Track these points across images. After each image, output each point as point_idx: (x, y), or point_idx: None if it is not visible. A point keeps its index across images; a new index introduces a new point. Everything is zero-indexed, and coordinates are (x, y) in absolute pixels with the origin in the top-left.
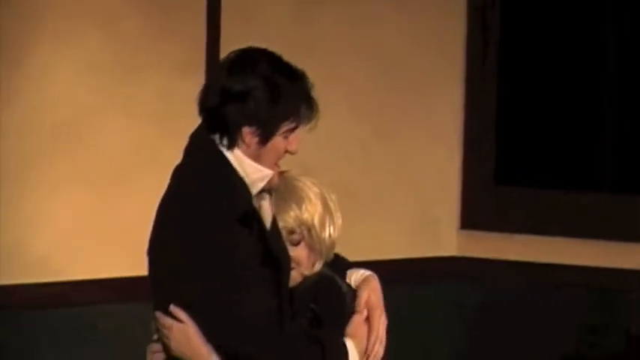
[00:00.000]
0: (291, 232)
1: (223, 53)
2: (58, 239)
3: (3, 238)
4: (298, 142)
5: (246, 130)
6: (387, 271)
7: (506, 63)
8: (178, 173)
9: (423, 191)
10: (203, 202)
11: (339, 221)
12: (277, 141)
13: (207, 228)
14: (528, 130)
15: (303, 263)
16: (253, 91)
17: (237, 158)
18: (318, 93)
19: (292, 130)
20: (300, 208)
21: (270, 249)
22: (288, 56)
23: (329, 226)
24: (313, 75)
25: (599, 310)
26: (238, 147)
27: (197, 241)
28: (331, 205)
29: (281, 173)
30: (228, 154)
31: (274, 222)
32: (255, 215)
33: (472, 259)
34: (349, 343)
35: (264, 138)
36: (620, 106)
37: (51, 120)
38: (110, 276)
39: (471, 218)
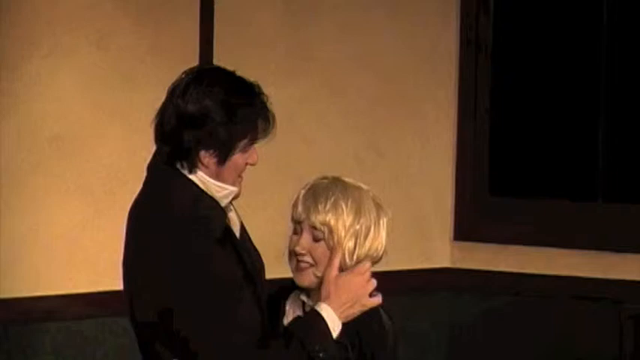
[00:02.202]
0: (314, 227)
1: (217, 63)
2: (54, 252)
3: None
4: (257, 154)
5: (203, 154)
6: (381, 282)
7: (499, 75)
8: (144, 205)
9: (417, 203)
10: (183, 226)
11: (375, 242)
12: (236, 157)
13: (191, 250)
14: (521, 141)
15: (321, 263)
16: (208, 115)
17: (200, 179)
18: (313, 105)
19: (250, 144)
20: (325, 207)
21: (245, 266)
22: (281, 68)
23: (357, 239)
24: (307, 87)
25: (594, 321)
26: (198, 169)
27: (182, 265)
28: (370, 222)
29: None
30: (191, 176)
31: (242, 230)
32: (230, 233)
33: (466, 271)
34: (324, 307)
35: (222, 159)
36: (614, 115)
37: (46, 132)
38: (108, 289)
39: (465, 229)
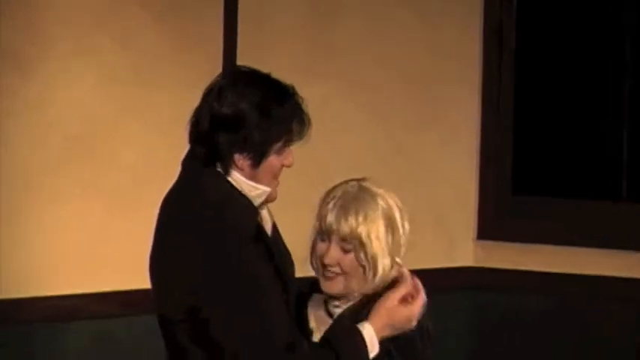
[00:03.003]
0: (344, 239)
1: (240, 62)
2: (71, 251)
3: (16, 250)
4: (292, 156)
5: (237, 157)
6: None
7: (522, 74)
8: (177, 202)
9: (440, 201)
10: (215, 222)
11: (403, 248)
12: (271, 159)
13: (222, 247)
14: (545, 139)
15: (351, 272)
16: (243, 118)
17: (234, 178)
18: (336, 104)
19: (285, 146)
20: (357, 219)
21: (277, 267)
22: (305, 68)
23: (390, 252)
24: (331, 86)
25: (618, 320)
26: (233, 170)
27: (213, 261)
28: (402, 233)
29: (359, 180)
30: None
31: (274, 229)
32: (262, 232)
33: (489, 270)
34: (367, 326)
35: (257, 162)
36: (638, 114)
37: (66, 131)
38: (124, 288)
39: (488, 228)
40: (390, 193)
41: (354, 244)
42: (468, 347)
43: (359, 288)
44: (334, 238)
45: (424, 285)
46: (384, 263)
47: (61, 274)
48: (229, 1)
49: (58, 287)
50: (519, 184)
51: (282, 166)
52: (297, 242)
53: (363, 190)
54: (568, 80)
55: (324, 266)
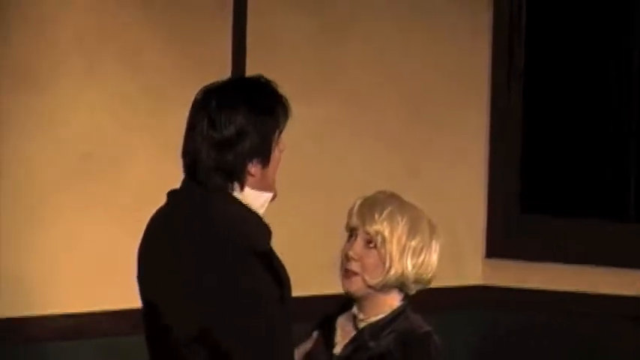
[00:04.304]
0: (368, 233)
1: None
2: (84, 269)
3: (25, 267)
4: (283, 140)
5: (249, 166)
6: (413, 300)
7: (531, 92)
8: (184, 225)
9: (449, 220)
10: (230, 244)
11: (425, 263)
12: (275, 153)
13: (238, 269)
14: (553, 159)
15: (368, 270)
16: (243, 130)
17: (244, 194)
18: (344, 124)
19: (279, 135)
20: (380, 217)
21: (281, 280)
22: (313, 87)
23: (408, 252)
24: (338, 106)
25: (625, 339)
26: (246, 182)
27: (229, 284)
28: (424, 242)
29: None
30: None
31: None
32: (272, 251)
33: (498, 288)
34: None
35: (267, 160)
36: None
37: (75, 151)
38: (132, 306)
39: (497, 247)
40: (421, 208)
41: (378, 240)
42: None
43: (370, 280)
44: (360, 232)
45: (434, 303)
46: (401, 265)
47: (69, 292)
48: (238, 21)
49: (65, 305)
50: (528, 203)
51: (280, 154)
52: (302, 260)
53: (393, 196)
54: (576, 100)
55: (347, 262)
